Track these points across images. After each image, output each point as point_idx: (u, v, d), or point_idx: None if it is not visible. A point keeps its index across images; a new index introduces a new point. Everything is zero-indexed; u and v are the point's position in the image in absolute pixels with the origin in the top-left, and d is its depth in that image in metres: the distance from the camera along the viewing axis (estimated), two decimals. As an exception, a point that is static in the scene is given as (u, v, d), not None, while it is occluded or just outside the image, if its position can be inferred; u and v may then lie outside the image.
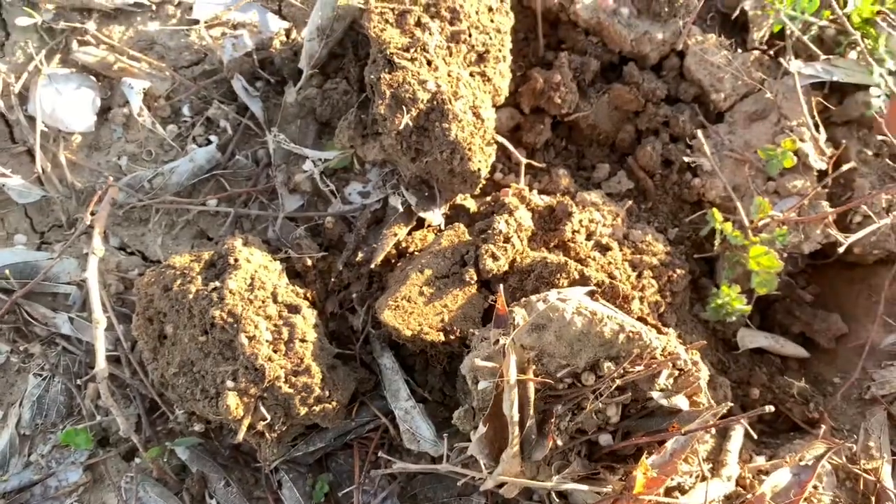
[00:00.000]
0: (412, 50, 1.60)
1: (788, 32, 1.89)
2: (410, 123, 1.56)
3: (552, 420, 1.34)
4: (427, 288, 1.54)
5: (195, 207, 1.80)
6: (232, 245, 1.54)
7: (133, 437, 1.55)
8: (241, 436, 1.42)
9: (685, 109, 1.96)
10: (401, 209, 1.71)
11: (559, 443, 1.34)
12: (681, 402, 1.36)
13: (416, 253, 1.71)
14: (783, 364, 1.90)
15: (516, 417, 1.29)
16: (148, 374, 1.62)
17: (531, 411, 1.32)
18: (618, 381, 1.33)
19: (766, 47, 1.98)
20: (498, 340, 1.33)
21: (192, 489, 1.60)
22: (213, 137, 1.89)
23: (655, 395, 1.35)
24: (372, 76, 1.60)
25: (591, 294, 1.46)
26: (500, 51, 1.74)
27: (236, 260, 1.51)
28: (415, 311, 1.52)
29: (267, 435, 1.48)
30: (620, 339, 1.32)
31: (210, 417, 1.50)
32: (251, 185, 1.84)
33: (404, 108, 1.55)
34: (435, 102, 1.57)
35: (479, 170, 1.64)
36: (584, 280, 1.54)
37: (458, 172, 1.63)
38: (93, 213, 1.70)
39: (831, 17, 1.88)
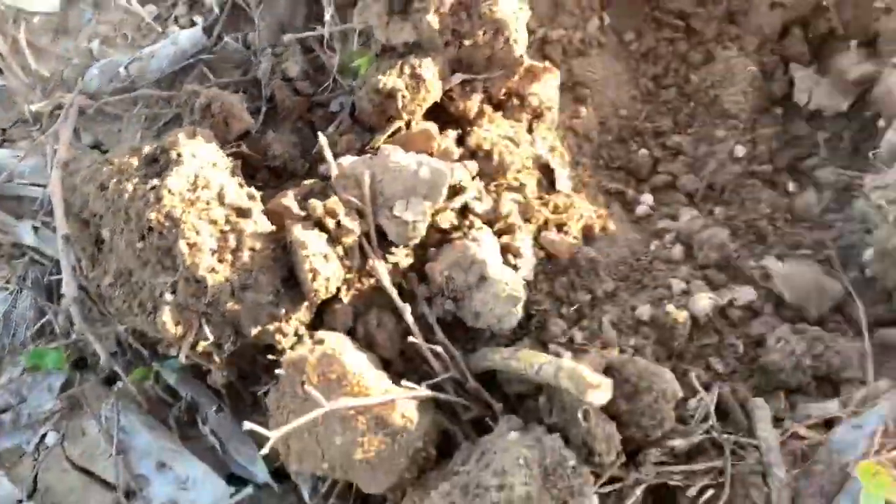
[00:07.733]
0: None
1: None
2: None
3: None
4: None
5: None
6: (175, 138, 1.29)
7: (114, 366, 1.36)
8: (183, 356, 1.24)
9: None
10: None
11: None
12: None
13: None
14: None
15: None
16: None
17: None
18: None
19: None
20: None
21: (182, 416, 1.42)
22: (197, 19, 1.64)
23: None
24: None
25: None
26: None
27: (179, 155, 1.26)
28: None
29: (215, 356, 1.28)
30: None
31: (150, 335, 1.30)
32: (241, 74, 1.60)
33: None
34: None
35: (521, 55, 1.43)
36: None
37: (499, 58, 1.41)
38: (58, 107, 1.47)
39: None
